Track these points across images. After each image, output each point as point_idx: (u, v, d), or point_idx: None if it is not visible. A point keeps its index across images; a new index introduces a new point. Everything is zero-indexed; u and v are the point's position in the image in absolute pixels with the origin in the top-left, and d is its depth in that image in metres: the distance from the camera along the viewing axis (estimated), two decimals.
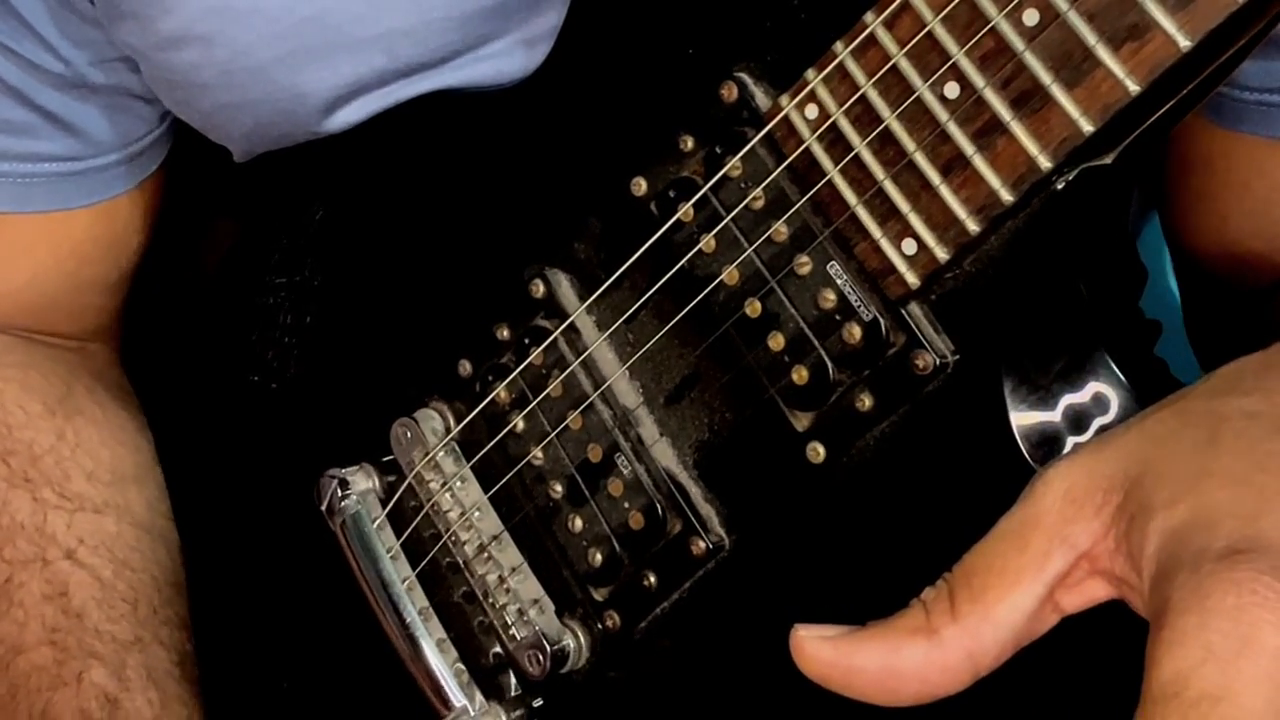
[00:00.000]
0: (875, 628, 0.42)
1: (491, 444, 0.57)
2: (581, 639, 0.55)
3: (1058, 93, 0.41)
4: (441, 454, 0.58)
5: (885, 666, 0.41)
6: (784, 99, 0.47)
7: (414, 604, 0.59)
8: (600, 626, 0.55)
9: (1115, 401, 0.48)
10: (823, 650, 0.42)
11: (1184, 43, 0.39)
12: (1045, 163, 0.42)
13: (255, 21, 0.59)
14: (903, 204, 0.45)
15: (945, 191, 0.44)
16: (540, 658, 0.55)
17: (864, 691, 0.42)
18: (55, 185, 0.69)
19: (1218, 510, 0.38)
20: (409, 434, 0.59)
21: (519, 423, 0.56)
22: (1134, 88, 0.40)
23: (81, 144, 0.68)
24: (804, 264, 0.48)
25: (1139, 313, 0.57)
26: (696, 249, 0.50)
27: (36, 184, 0.68)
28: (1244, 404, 0.40)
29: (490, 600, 0.57)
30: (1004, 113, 0.42)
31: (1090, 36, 0.41)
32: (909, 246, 0.45)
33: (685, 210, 0.50)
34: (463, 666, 0.59)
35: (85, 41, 0.64)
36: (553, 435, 0.55)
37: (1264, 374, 0.41)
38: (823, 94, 0.46)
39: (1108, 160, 0.43)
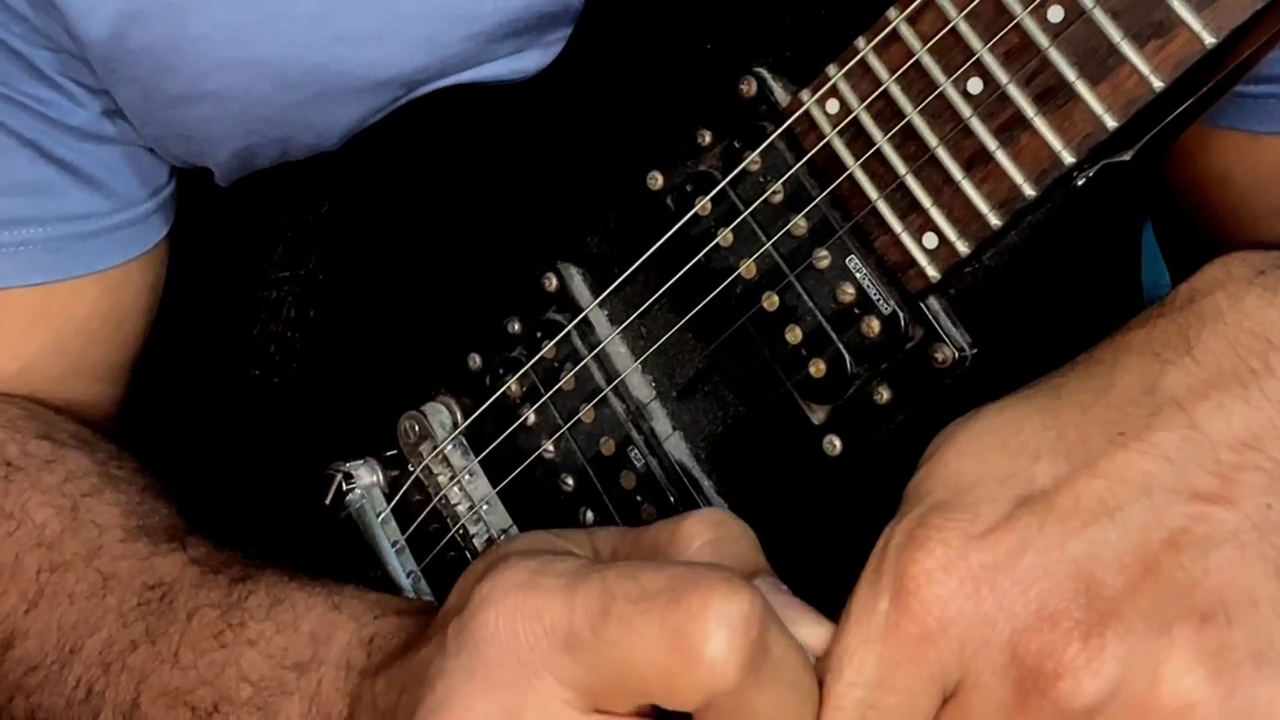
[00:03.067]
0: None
1: (501, 438, 0.57)
2: None
3: (1082, 89, 0.42)
4: (450, 447, 0.58)
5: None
6: (804, 94, 0.48)
7: (420, 597, 0.59)
8: None
9: None
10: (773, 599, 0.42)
11: (1209, 39, 0.40)
12: (1068, 158, 0.43)
13: (265, 73, 0.58)
14: (924, 198, 0.45)
15: (967, 186, 0.44)
16: None
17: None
18: (74, 248, 0.66)
19: (940, 472, 0.41)
20: (416, 427, 0.59)
21: (530, 416, 0.56)
22: (1158, 84, 0.41)
23: (104, 197, 0.66)
24: (823, 258, 0.48)
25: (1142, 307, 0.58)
26: (714, 243, 0.50)
27: (54, 248, 0.65)
28: (1051, 383, 0.42)
29: None
30: (1027, 108, 0.43)
31: (1115, 33, 0.41)
32: (930, 240, 0.45)
33: (703, 204, 0.51)
34: None
35: (99, 90, 0.63)
36: (565, 429, 0.55)
37: (1085, 362, 0.43)
38: (844, 89, 0.47)
39: (1127, 156, 0.44)
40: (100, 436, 0.67)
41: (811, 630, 0.40)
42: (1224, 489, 0.38)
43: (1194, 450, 0.39)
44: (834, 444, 0.49)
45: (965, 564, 0.38)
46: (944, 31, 0.44)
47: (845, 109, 0.47)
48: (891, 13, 0.45)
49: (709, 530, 0.42)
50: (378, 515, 0.61)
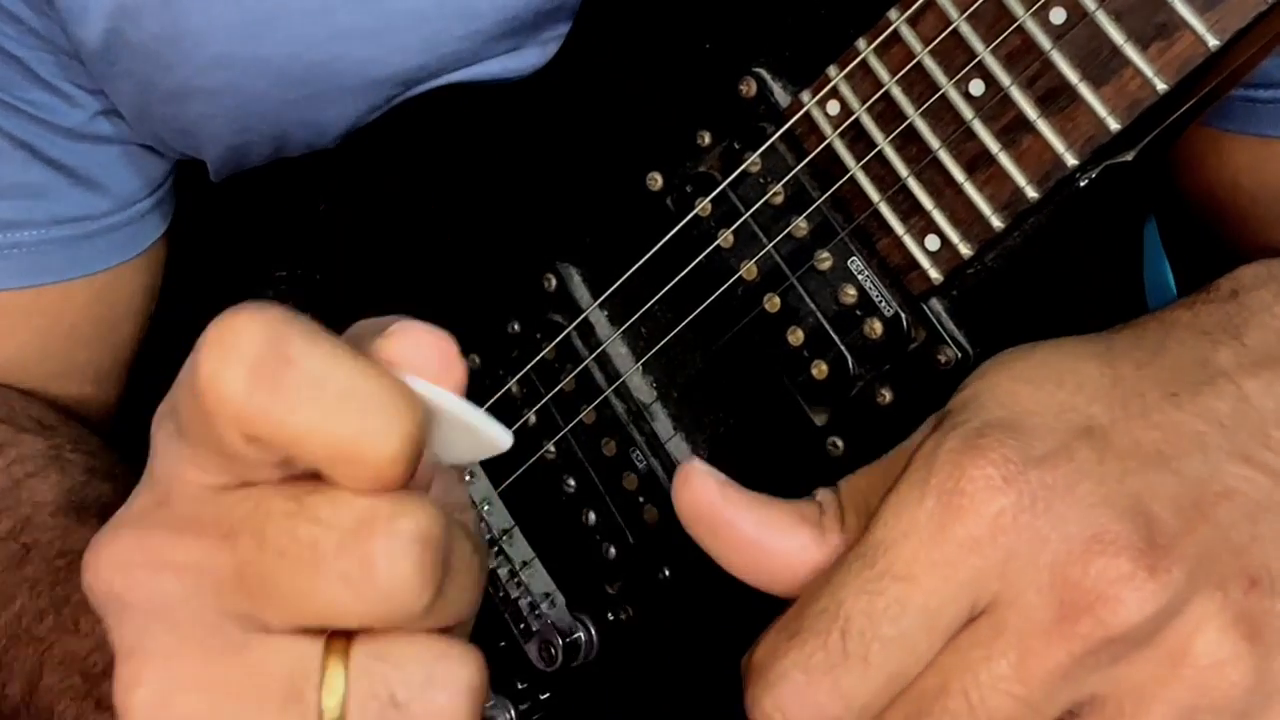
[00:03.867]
0: (770, 499, 0.42)
1: None
2: (593, 631, 0.55)
3: (1085, 91, 0.42)
4: None
5: (760, 537, 0.41)
6: (805, 95, 0.48)
7: None
8: (613, 619, 0.55)
9: None
10: (708, 488, 0.42)
11: (1213, 42, 0.40)
12: (1071, 160, 0.43)
13: (262, 71, 0.58)
14: (926, 201, 0.45)
15: (970, 188, 0.44)
16: (553, 650, 0.55)
17: (725, 551, 0.41)
18: (67, 250, 0.66)
19: (993, 391, 0.40)
20: None
21: (531, 417, 0.56)
22: (1162, 86, 0.41)
23: (100, 197, 0.66)
24: (824, 259, 0.48)
25: (1144, 309, 0.58)
26: (715, 244, 0.50)
27: (46, 250, 0.65)
28: (1102, 338, 0.42)
29: (501, 593, 0.57)
30: (1030, 110, 0.43)
31: (1118, 35, 0.41)
32: (932, 243, 0.45)
33: (703, 206, 0.51)
34: None
35: (95, 90, 0.63)
36: (566, 430, 0.55)
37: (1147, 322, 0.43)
38: (845, 91, 0.47)
39: (1129, 157, 0.44)
40: (65, 421, 0.67)
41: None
42: (1274, 461, 0.39)
43: (1244, 420, 0.40)
44: (836, 445, 0.49)
45: (1024, 479, 0.37)
46: (946, 33, 0.44)
47: (846, 110, 0.47)
48: (893, 14, 0.45)
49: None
50: None
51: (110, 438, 0.72)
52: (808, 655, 0.38)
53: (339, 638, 0.33)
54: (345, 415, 0.31)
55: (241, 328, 0.31)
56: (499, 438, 0.35)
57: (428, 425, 0.33)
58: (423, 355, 0.34)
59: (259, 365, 0.31)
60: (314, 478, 0.33)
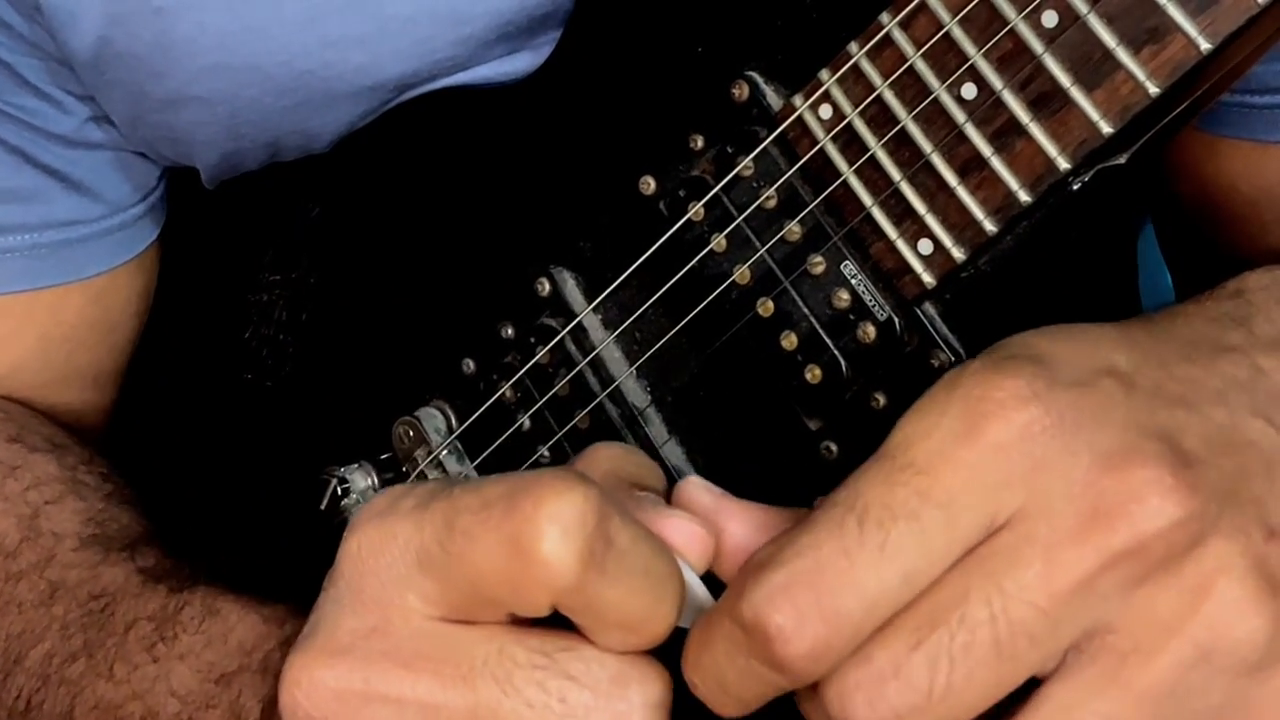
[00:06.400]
0: (766, 508, 0.42)
1: (497, 443, 0.57)
2: None
3: (1077, 95, 0.42)
4: (445, 453, 0.58)
5: (756, 543, 0.40)
6: (797, 99, 0.47)
7: None
8: None
9: None
10: (702, 499, 0.41)
11: (1205, 45, 0.40)
12: (1064, 164, 0.42)
13: (254, 78, 0.58)
14: (919, 204, 0.45)
15: (962, 192, 0.44)
16: None
17: (719, 560, 0.40)
18: (61, 254, 0.66)
19: (1028, 335, 0.39)
20: (411, 433, 0.59)
21: (525, 422, 0.56)
22: (1154, 90, 0.41)
23: (92, 202, 0.66)
24: (818, 264, 0.48)
25: (1139, 311, 0.57)
26: (708, 249, 0.50)
27: (40, 255, 0.65)
28: (1112, 323, 0.42)
29: None
30: (1022, 114, 0.43)
31: (1110, 39, 0.41)
32: (925, 247, 0.45)
33: (696, 210, 0.50)
34: None
35: (85, 97, 0.63)
36: (560, 435, 0.55)
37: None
38: (837, 94, 0.46)
39: (1122, 161, 0.44)
40: (75, 440, 0.67)
41: (683, 527, 0.40)
42: None
43: (1260, 386, 0.39)
44: (830, 450, 0.49)
45: (1053, 397, 0.36)
46: (937, 37, 0.44)
47: (839, 114, 0.46)
48: (884, 17, 0.45)
49: (613, 451, 0.43)
50: None
51: (107, 439, 0.72)
52: (818, 542, 0.36)
53: None
54: (645, 595, 0.36)
55: (576, 506, 0.35)
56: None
57: None
58: (692, 549, 0.39)
59: (591, 544, 0.35)
60: (536, 622, 0.37)
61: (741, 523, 0.41)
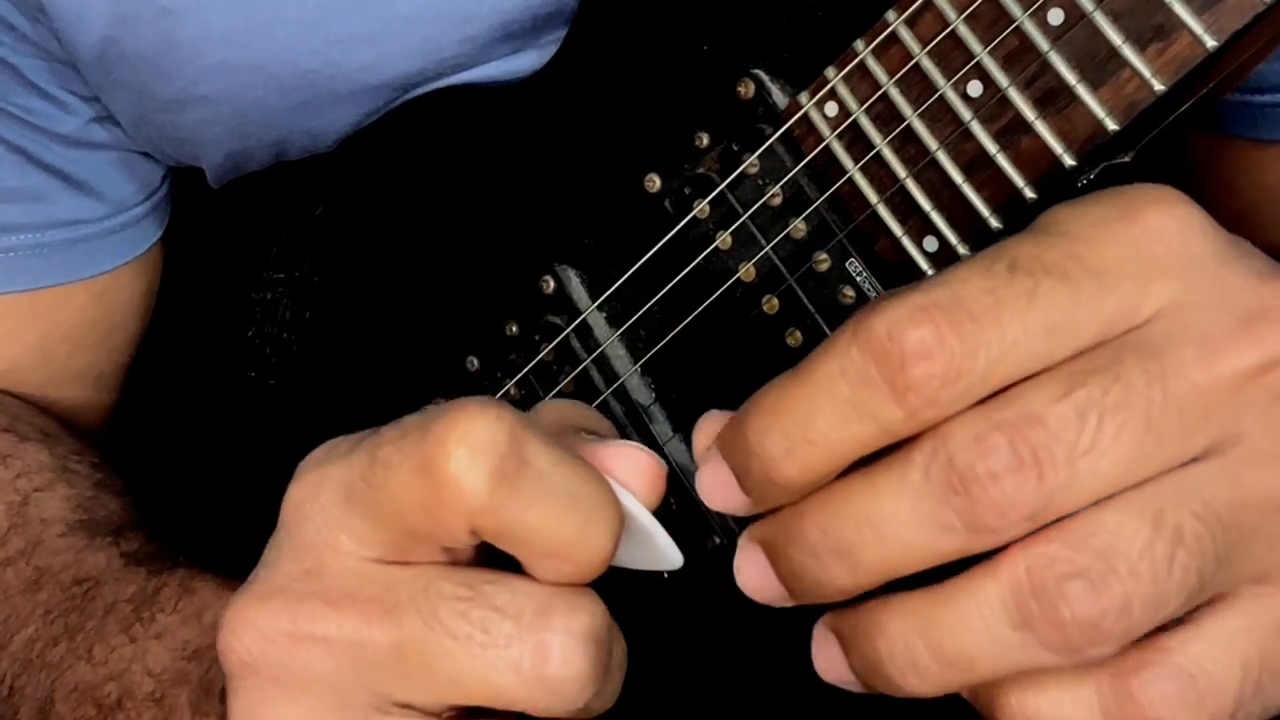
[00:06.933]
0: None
1: None
2: None
3: (1083, 92, 0.42)
4: None
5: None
6: (803, 97, 0.48)
7: None
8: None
9: None
10: (720, 418, 0.40)
11: (1210, 43, 0.40)
12: (1069, 161, 0.42)
13: (259, 78, 0.58)
14: (924, 202, 0.45)
15: (968, 189, 0.44)
16: None
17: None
18: (64, 253, 0.66)
19: None
20: None
21: None
22: (1160, 87, 0.41)
23: (95, 202, 0.66)
24: (823, 261, 0.48)
25: None
26: (713, 246, 0.50)
27: (42, 254, 0.65)
28: None
29: None
30: (1028, 112, 0.43)
31: (1116, 36, 0.41)
32: (930, 244, 0.45)
33: (701, 207, 0.51)
34: None
35: (89, 97, 0.63)
36: None
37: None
38: (843, 92, 0.47)
39: (1127, 158, 0.44)
40: (68, 431, 0.68)
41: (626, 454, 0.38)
42: None
43: None
44: None
45: (1204, 213, 0.35)
46: (943, 34, 0.44)
47: (844, 112, 0.47)
48: (890, 15, 0.45)
49: (561, 403, 0.42)
50: None
51: (107, 441, 0.73)
52: (964, 278, 0.33)
53: None
54: (570, 516, 0.34)
55: (487, 426, 0.34)
56: (672, 556, 0.38)
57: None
58: (636, 477, 0.37)
59: (503, 465, 0.34)
60: (474, 562, 0.36)
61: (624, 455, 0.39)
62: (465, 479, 0.34)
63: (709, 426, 0.40)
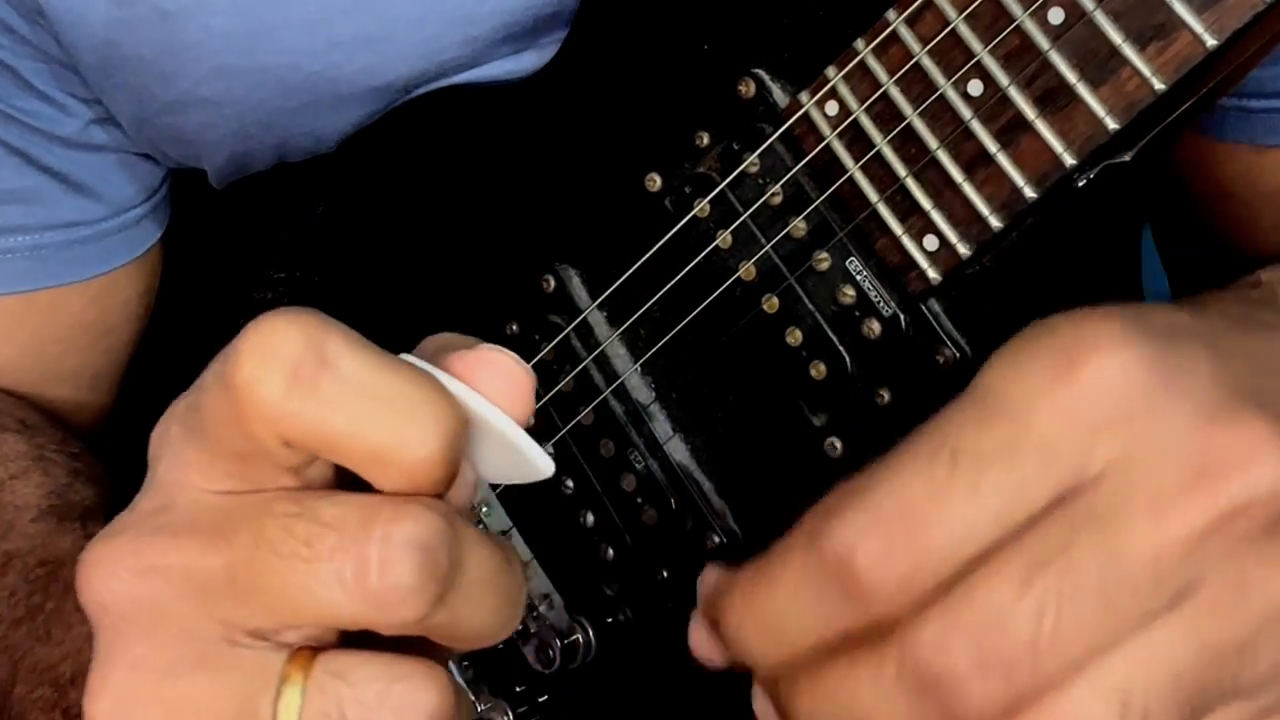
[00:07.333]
0: None
1: None
2: (591, 633, 0.55)
3: (1083, 91, 0.42)
4: None
5: None
6: (804, 96, 0.48)
7: None
8: (611, 621, 0.55)
9: None
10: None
11: (1210, 41, 0.40)
12: (1069, 160, 0.43)
13: (262, 81, 0.58)
14: (924, 201, 0.45)
15: (968, 188, 0.44)
16: (550, 652, 0.55)
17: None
18: (61, 255, 0.66)
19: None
20: None
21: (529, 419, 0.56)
22: (1160, 86, 0.41)
23: (94, 203, 0.66)
24: (823, 260, 0.48)
25: None
26: (713, 245, 0.50)
27: (40, 256, 0.65)
28: None
29: None
30: (1028, 111, 0.43)
31: (1116, 35, 0.41)
32: (930, 243, 0.45)
33: (702, 206, 0.51)
34: (468, 662, 0.59)
35: (89, 99, 0.63)
36: (564, 431, 0.55)
37: None
38: (843, 91, 0.47)
39: (1127, 157, 0.44)
40: (49, 422, 0.68)
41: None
42: None
43: None
44: (835, 446, 0.49)
45: (1147, 342, 0.34)
46: (944, 33, 0.44)
47: (845, 111, 0.47)
48: (891, 14, 0.45)
49: (446, 334, 0.40)
50: None
51: (103, 442, 0.72)
52: (906, 484, 0.34)
53: (304, 653, 0.33)
54: (382, 418, 0.32)
55: (280, 331, 0.32)
56: (541, 464, 0.35)
57: (472, 438, 0.34)
58: (497, 381, 0.35)
59: (298, 368, 0.31)
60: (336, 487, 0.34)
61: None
62: (258, 386, 0.32)
63: (706, 580, 0.41)
